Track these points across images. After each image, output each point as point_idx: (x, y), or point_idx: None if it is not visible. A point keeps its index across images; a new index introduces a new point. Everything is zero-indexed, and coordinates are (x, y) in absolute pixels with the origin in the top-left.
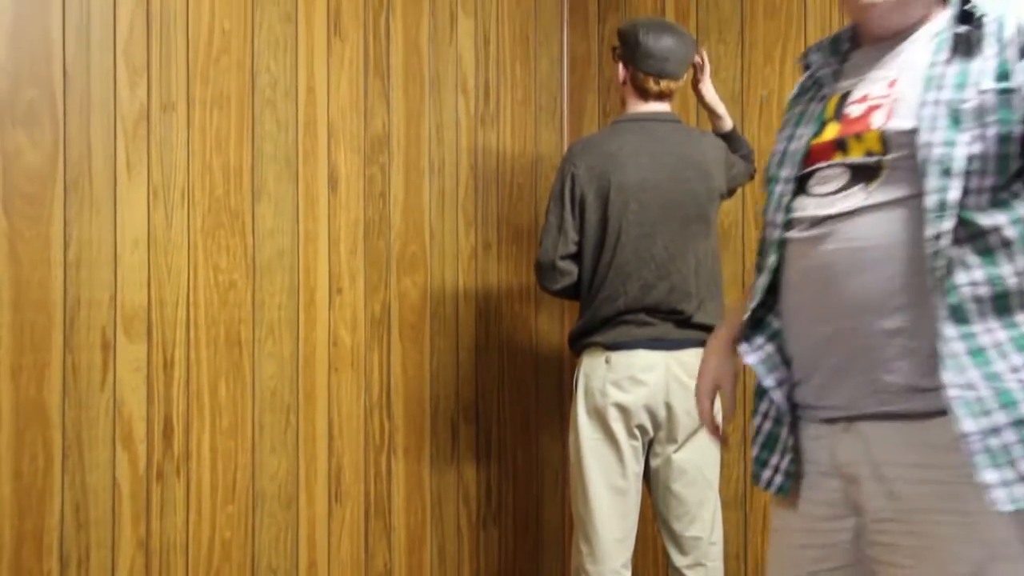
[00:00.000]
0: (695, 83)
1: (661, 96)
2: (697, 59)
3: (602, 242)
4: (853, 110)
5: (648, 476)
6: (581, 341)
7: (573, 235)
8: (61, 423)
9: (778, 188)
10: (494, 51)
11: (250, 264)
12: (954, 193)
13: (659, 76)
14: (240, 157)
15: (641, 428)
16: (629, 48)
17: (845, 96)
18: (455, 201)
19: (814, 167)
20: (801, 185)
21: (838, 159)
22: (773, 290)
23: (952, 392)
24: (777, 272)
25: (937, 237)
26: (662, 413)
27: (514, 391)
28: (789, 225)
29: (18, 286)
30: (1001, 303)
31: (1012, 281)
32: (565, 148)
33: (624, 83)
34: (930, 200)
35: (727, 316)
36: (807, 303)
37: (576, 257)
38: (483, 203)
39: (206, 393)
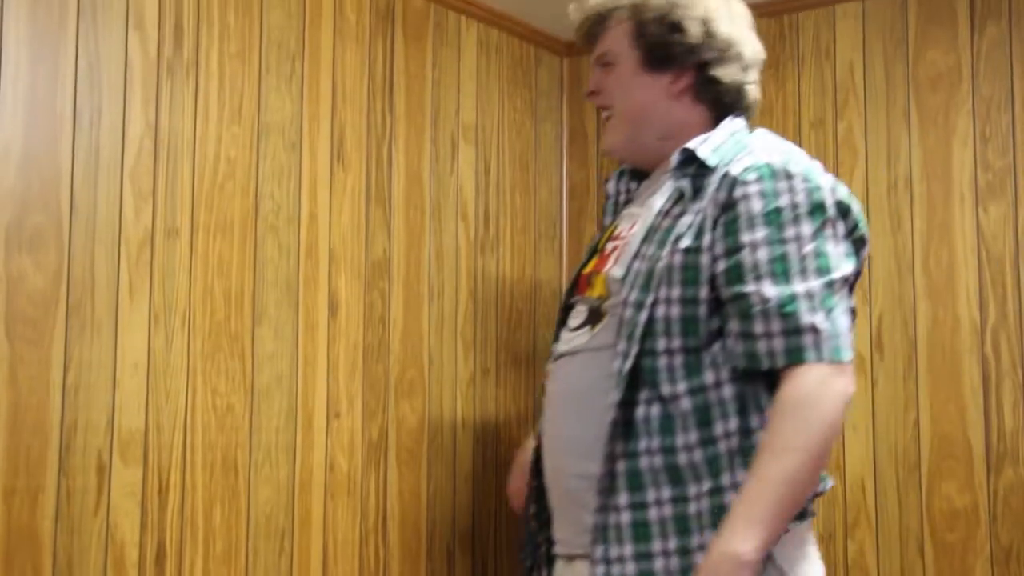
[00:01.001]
0: None
1: None
2: None
3: None
4: (608, 246)
5: None
6: None
7: None
8: (52, 549)
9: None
10: (494, 179)
11: (248, 388)
12: (629, 362)
13: None
14: (242, 282)
15: None
16: None
17: (615, 229)
18: (454, 327)
19: (574, 299)
20: (564, 316)
21: (585, 295)
22: None
23: (599, 569)
24: None
25: (613, 404)
26: None
27: (512, 520)
28: (551, 356)
29: (15, 410)
30: (674, 475)
31: (683, 455)
32: (564, 275)
33: None
34: (615, 363)
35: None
36: (544, 438)
37: None
38: (482, 329)
39: (200, 518)
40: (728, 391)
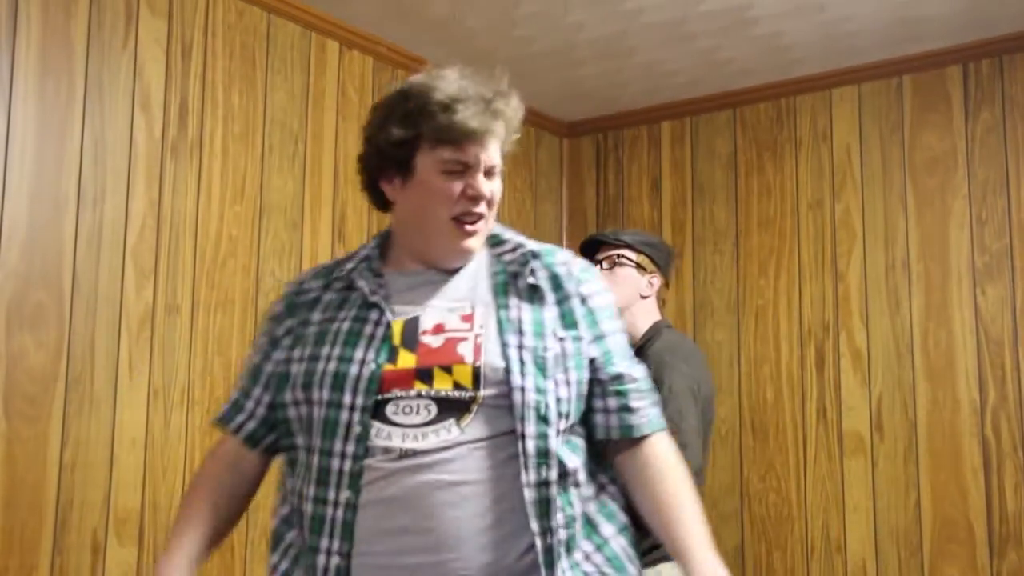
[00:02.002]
0: None
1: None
2: None
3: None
4: (431, 340)
5: None
6: (653, 554)
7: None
8: None
9: (342, 415)
10: None
11: None
12: (552, 441)
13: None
14: (241, 358)
15: None
16: (663, 255)
17: (414, 322)
18: None
19: (391, 395)
20: (376, 413)
21: (422, 389)
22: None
23: None
24: (354, 507)
25: (542, 484)
26: None
27: None
28: (367, 453)
29: (12, 487)
30: (572, 544)
31: (577, 525)
32: None
33: (646, 296)
34: (530, 445)
35: (176, 542)
36: (392, 534)
37: None
38: None
39: None
40: (586, 456)
